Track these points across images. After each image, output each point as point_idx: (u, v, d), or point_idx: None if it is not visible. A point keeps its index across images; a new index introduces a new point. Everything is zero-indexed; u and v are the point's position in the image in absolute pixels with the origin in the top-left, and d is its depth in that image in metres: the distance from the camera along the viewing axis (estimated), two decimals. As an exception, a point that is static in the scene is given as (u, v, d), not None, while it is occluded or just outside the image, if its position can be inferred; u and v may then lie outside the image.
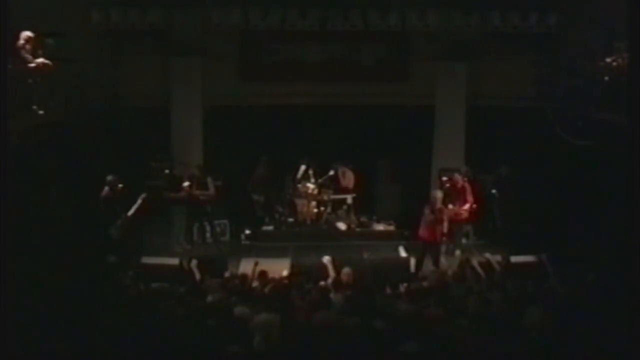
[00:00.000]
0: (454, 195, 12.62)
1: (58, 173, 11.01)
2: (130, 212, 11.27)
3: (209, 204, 13.36)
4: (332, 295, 8.26)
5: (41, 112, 10.44)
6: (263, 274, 9.33)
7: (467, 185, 12.70)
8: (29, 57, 10.40)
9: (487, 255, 10.16)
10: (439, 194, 11.81)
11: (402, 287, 9.48)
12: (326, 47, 14.57)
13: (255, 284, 9.06)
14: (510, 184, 13.43)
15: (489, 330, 6.69)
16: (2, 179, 6.49)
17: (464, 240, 13.23)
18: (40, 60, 10.54)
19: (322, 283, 9.08)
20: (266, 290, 8.52)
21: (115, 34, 13.54)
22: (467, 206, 12.60)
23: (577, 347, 6.21)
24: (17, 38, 10.29)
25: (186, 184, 13.08)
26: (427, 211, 11.64)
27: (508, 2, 13.50)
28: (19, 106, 9.99)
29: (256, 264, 9.61)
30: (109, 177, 11.33)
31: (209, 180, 13.21)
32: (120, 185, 11.41)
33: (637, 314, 6.20)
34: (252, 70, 14.58)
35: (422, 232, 11.76)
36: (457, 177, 12.78)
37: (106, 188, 11.30)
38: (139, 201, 11.38)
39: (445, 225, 11.64)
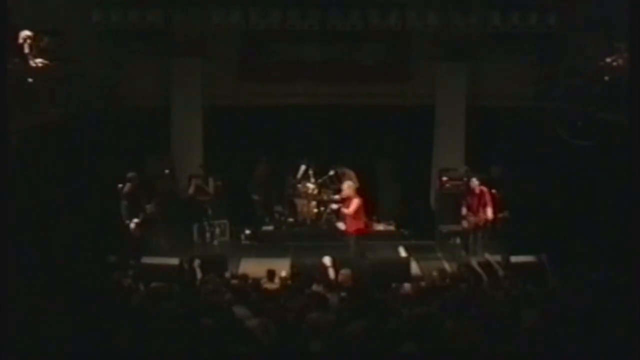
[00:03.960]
0: (473, 201, 12.20)
1: (58, 173, 11.00)
2: (150, 210, 11.47)
3: (208, 204, 13.36)
4: (330, 296, 8.26)
5: (42, 112, 10.45)
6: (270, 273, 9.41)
7: (485, 189, 12.22)
8: (29, 56, 10.40)
9: (487, 255, 10.14)
10: (346, 185, 11.84)
11: (402, 287, 9.48)
12: (326, 47, 14.56)
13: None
14: (509, 184, 13.40)
15: (489, 330, 6.68)
16: (2, 179, 6.48)
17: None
18: (40, 60, 10.54)
19: (317, 286, 9.07)
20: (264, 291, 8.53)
21: (115, 34, 13.55)
22: (489, 211, 12.08)
23: (577, 347, 6.20)
24: (17, 38, 10.28)
25: (191, 190, 13.14)
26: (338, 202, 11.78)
27: (508, 2, 13.50)
28: (19, 106, 9.98)
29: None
30: (130, 174, 11.48)
31: (210, 180, 13.22)
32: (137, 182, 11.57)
33: (637, 314, 6.19)
34: (252, 70, 14.58)
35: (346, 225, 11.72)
36: (474, 182, 12.24)
37: (128, 184, 11.37)
38: (156, 200, 11.49)
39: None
